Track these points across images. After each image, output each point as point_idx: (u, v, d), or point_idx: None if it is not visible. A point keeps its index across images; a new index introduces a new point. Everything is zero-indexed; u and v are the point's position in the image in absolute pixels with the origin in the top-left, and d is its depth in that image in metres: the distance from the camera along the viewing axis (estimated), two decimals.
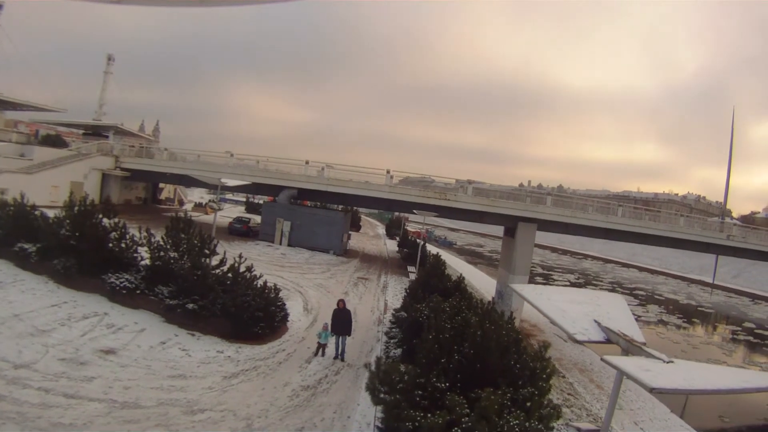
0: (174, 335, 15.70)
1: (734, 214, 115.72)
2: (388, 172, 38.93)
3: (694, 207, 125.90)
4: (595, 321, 8.01)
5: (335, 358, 15.92)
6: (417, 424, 8.18)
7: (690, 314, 50.21)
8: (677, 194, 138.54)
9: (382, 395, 9.47)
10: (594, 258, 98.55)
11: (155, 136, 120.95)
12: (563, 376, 23.71)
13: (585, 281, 65.88)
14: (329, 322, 16.34)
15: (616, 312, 8.67)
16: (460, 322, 10.36)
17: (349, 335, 16.43)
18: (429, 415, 8.18)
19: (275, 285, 18.26)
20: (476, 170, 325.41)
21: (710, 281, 71.72)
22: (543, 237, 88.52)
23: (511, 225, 37.63)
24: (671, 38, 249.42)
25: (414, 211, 35.30)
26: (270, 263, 30.80)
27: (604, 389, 23.82)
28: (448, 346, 9.95)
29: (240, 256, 17.75)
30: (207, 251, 17.37)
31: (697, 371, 6.59)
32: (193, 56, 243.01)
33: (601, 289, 58.32)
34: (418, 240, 41.41)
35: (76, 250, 17.92)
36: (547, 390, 9.59)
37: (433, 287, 17.54)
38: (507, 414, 8.08)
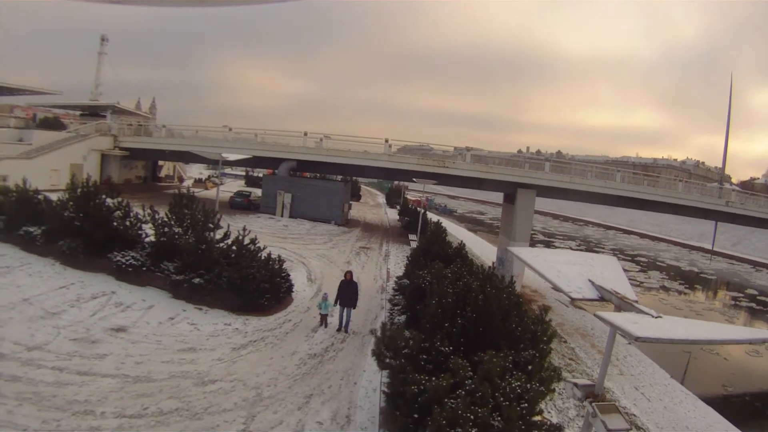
0: (182, 310, 15.97)
1: (733, 180, 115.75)
2: (386, 141, 38.98)
3: (693, 172, 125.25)
4: (590, 280, 8.12)
5: (338, 330, 16.08)
6: (422, 387, 8.44)
7: (692, 281, 50.55)
8: (676, 159, 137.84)
9: (387, 360, 9.73)
10: (595, 225, 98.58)
11: (152, 113, 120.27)
12: (565, 341, 23.94)
13: (586, 248, 66.04)
14: (332, 293, 16.45)
15: (609, 272, 8.83)
16: (462, 287, 10.54)
17: (354, 308, 16.51)
18: (434, 378, 8.42)
19: (279, 256, 18.46)
20: (475, 137, 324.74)
21: (710, 248, 71.85)
22: (542, 204, 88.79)
23: (510, 191, 37.70)
24: (670, 2, 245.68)
25: (413, 179, 35.33)
26: (272, 235, 31.02)
27: (604, 354, 24.21)
28: (450, 311, 10.16)
29: (244, 229, 17.94)
30: (211, 225, 17.52)
31: (683, 325, 7.08)
32: (187, 30, 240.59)
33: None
34: (418, 208, 41.60)
35: (80, 230, 18.08)
36: (547, 353, 9.93)
37: (435, 254, 17.68)
38: (509, 376, 8.36)
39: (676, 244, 79.45)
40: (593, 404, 6.59)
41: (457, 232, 59.05)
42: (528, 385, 8.31)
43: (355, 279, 21.56)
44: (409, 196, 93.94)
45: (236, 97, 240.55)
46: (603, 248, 66.88)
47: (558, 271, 8.22)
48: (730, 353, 26.79)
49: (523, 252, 10.05)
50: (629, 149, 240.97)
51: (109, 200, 19.12)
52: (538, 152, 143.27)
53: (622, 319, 6.21)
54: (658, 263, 58.46)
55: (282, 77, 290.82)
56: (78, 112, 54.73)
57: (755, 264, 66.01)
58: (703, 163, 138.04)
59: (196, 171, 78.84)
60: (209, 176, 70.62)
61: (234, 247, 17.35)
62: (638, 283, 43.09)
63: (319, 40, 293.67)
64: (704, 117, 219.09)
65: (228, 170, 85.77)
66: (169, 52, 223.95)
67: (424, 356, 9.40)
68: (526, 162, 43.21)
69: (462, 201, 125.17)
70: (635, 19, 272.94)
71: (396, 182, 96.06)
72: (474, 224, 79.20)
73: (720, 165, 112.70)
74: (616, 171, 41.94)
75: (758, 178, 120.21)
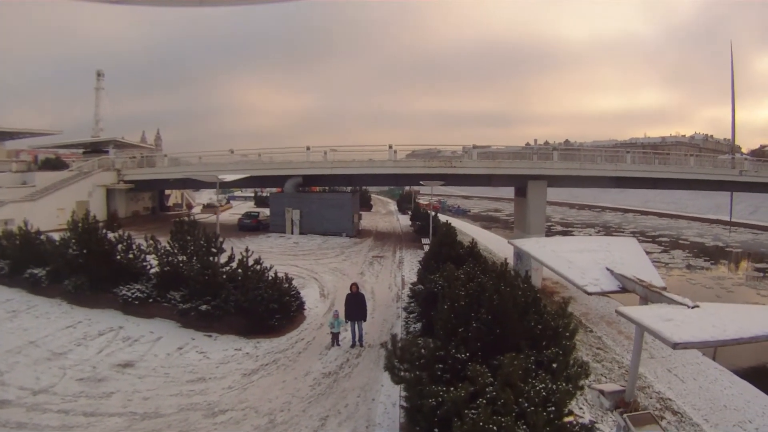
0: (191, 339, 15.53)
1: (744, 150, 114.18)
2: (390, 147, 38.48)
3: (703, 147, 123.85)
4: (608, 269, 7.46)
5: (352, 346, 15.40)
6: (440, 399, 7.85)
7: (718, 256, 49.53)
8: (684, 136, 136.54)
9: (402, 373, 9.17)
10: (612, 209, 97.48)
11: (157, 144, 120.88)
12: (591, 331, 23.43)
13: (606, 233, 65.05)
14: (341, 307, 15.81)
15: (630, 257, 7.92)
16: (475, 287, 9.95)
17: (365, 320, 15.86)
18: (452, 388, 7.79)
19: (286, 274, 18.04)
20: (483, 135, 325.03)
21: (728, 220, 70.79)
22: (556, 194, 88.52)
23: (520, 185, 37.30)
24: None
25: (420, 182, 34.87)
26: (283, 253, 30.60)
27: (632, 340, 23.53)
28: (464, 314, 9.59)
29: (246, 250, 17.40)
30: (214, 249, 17.07)
31: (728, 315, 5.51)
32: (185, 57, 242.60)
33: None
34: (429, 211, 41.15)
35: (85, 267, 17.87)
36: (572, 348, 9.18)
37: (446, 256, 17.09)
38: (532, 378, 7.69)
39: (695, 219, 78.17)
40: (625, 416, 5.88)
41: (471, 231, 58.53)
42: (554, 386, 7.57)
43: (369, 289, 21.07)
44: (420, 201, 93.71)
45: (241, 119, 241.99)
46: (623, 232, 65.91)
47: (569, 262, 7.43)
48: None
49: (528, 243, 9.27)
50: (638, 130, 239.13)
51: (110, 234, 18.91)
52: (546, 143, 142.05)
53: (651, 315, 5.28)
54: (681, 242, 57.46)
55: (285, 95, 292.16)
56: (81, 150, 54.92)
57: None
58: (711, 136, 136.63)
59: (206, 197, 78.82)
60: (212, 200, 70.59)
61: (239, 270, 16.83)
62: (663, 264, 42.34)
63: (320, 53, 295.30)
64: (709, 90, 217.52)
65: (238, 192, 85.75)
66: (170, 82, 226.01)
67: (440, 365, 8.79)
68: (534, 153, 42.72)
69: (476, 200, 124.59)
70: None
71: (407, 188, 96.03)
72: (489, 222, 78.66)
73: (729, 136, 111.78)
74: (626, 152, 41.46)
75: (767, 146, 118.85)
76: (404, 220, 55.45)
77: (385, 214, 70.28)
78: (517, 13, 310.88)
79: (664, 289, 6.58)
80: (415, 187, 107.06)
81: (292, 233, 37.89)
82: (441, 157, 49.16)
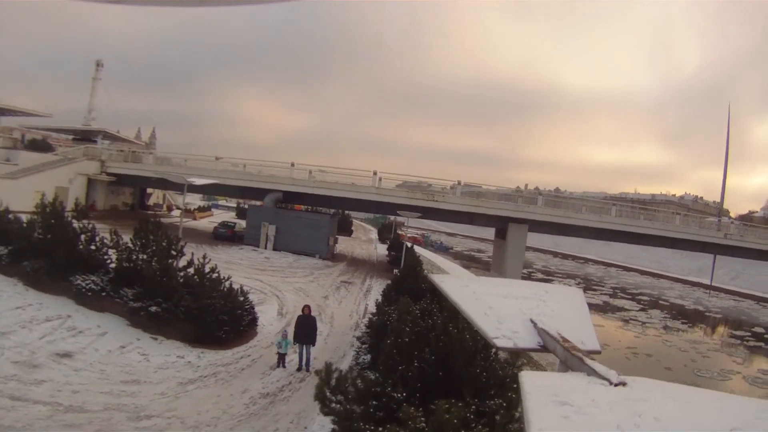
0: (136, 339, 15.21)
1: (732, 214, 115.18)
2: (375, 173, 38.74)
3: (692, 207, 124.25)
4: (532, 321, 6.89)
5: (298, 369, 15.00)
6: None
7: (696, 319, 49.38)
8: (674, 195, 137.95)
9: (334, 405, 8.94)
10: (595, 262, 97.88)
11: (151, 142, 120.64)
12: None
13: (586, 286, 64.87)
14: (291, 330, 15.53)
15: (567, 310, 7.23)
16: (424, 326, 9.82)
17: (314, 344, 15.54)
18: (380, 429, 7.59)
19: (241, 287, 17.83)
20: (476, 174, 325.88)
21: (703, 283, 71.05)
22: (540, 240, 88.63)
23: (502, 226, 37.49)
24: (672, 37, 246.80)
25: (398, 212, 34.84)
26: (251, 267, 30.36)
27: None
28: (408, 352, 9.41)
29: (204, 257, 17.19)
30: (174, 252, 16.88)
31: (662, 405, 3.72)
32: (189, 63, 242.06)
33: (601, 294, 57.89)
34: (408, 243, 40.99)
35: (46, 252, 17.59)
36: (518, 401, 8.71)
37: (407, 289, 16.95)
38: (468, 429, 7.36)
39: (677, 280, 78.33)
40: None
41: (449, 268, 58.39)
42: None
43: (329, 313, 20.89)
44: (403, 232, 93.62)
45: (238, 130, 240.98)
46: (603, 286, 65.98)
47: (489, 308, 6.92)
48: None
49: (448, 282, 8.80)
50: (629, 185, 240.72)
51: (75, 223, 18.69)
52: (536, 189, 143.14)
53: (551, 390, 3.79)
54: (661, 302, 57.23)
55: (283, 111, 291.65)
56: (71, 137, 54.69)
57: (759, 300, 64.83)
58: (701, 198, 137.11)
59: (191, 201, 78.47)
60: (199, 207, 70.13)
61: (196, 277, 16.62)
62: (640, 323, 42.13)
63: (320, 75, 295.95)
64: (705, 151, 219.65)
65: (222, 201, 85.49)
66: (173, 84, 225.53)
67: (375, 402, 8.56)
68: (519, 196, 42.92)
69: (460, 238, 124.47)
70: (638, 54, 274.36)
71: (393, 217, 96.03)
72: (470, 261, 78.44)
73: (719, 199, 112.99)
74: (612, 205, 41.77)
75: (757, 211, 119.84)
76: (382, 249, 55.34)
77: (365, 241, 70.10)
78: (521, 57, 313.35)
79: (598, 353, 6.00)
80: (400, 218, 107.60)
81: (265, 248, 37.58)
82: (424, 189, 49.35)
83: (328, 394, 8.97)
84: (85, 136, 51.98)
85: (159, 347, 15.09)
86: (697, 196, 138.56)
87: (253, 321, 17.83)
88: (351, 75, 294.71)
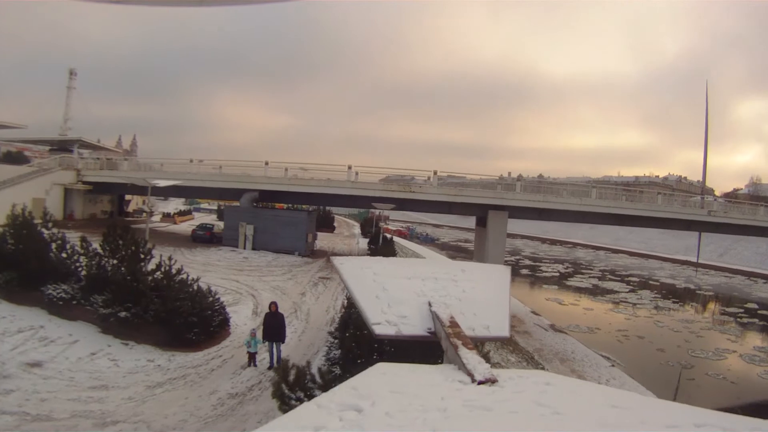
0: (107, 345, 15.28)
1: (717, 193, 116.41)
2: (350, 167, 38.68)
3: (676, 188, 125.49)
4: (430, 304, 6.04)
5: (269, 368, 14.94)
6: None
7: (688, 298, 49.43)
8: (658, 176, 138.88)
9: (293, 402, 8.84)
10: (584, 246, 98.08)
11: (132, 149, 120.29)
12: (543, 368, 23.36)
13: (574, 270, 65.08)
14: (260, 328, 15.59)
15: (483, 290, 6.68)
16: None
17: (283, 341, 15.55)
18: None
19: (208, 288, 17.96)
20: (461, 165, 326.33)
21: (702, 262, 71.40)
22: (526, 227, 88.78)
23: (481, 214, 37.41)
24: (652, 22, 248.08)
25: (372, 204, 34.82)
26: (229, 267, 30.39)
27: (586, 380, 23.23)
28: (368, 344, 9.50)
29: (170, 258, 17.20)
30: (142, 255, 16.93)
31: (528, 410, 3.25)
32: (170, 69, 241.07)
33: (590, 277, 58.04)
34: (393, 237, 40.87)
35: (18, 263, 17.64)
36: None
37: None
38: None
39: (666, 260, 78.68)
40: None
41: (434, 258, 58.48)
42: None
43: (306, 310, 21.01)
44: (389, 226, 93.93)
45: (222, 134, 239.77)
46: (592, 269, 66.02)
47: (383, 290, 6.38)
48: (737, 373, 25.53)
49: (348, 263, 8.10)
50: (613, 170, 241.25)
51: (45, 231, 18.70)
52: (520, 176, 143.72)
53: (345, 394, 3.56)
54: (651, 282, 57.18)
55: (265, 112, 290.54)
56: (48, 148, 54.39)
57: (749, 275, 65.15)
58: (685, 178, 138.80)
59: (173, 206, 78.14)
60: (180, 211, 69.94)
61: (164, 279, 16.68)
62: (631, 304, 42.28)
63: (301, 74, 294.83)
64: (687, 133, 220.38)
65: (204, 204, 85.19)
66: (153, 89, 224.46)
67: None
68: (499, 184, 42.83)
69: (447, 230, 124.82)
70: (618, 39, 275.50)
71: (378, 211, 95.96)
72: (456, 251, 78.66)
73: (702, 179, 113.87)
74: (591, 187, 41.70)
75: (741, 189, 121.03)
76: (363, 243, 55.41)
77: (347, 236, 70.11)
78: (501, 48, 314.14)
79: (506, 338, 5.66)
80: (385, 212, 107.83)
81: (244, 248, 37.66)
82: (400, 181, 49.39)
83: (286, 391, 9.02)
84: (61, 146, 51.55)
85: (130, 352, 15.17)
86: (680, 176, 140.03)
87: (225, 321, 17.91)
88: (332, 74, 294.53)
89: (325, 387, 8.65)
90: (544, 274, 60.75)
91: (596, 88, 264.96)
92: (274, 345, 15.27)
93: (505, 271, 7.46)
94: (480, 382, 3.86)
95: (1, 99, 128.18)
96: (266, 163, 39.93)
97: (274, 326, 15.20)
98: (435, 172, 39.53)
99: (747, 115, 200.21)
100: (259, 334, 15.43)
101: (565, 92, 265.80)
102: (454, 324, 5.44)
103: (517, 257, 75.33)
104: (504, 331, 6.03)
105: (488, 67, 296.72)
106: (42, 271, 17.49)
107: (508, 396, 3.60)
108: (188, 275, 17.22)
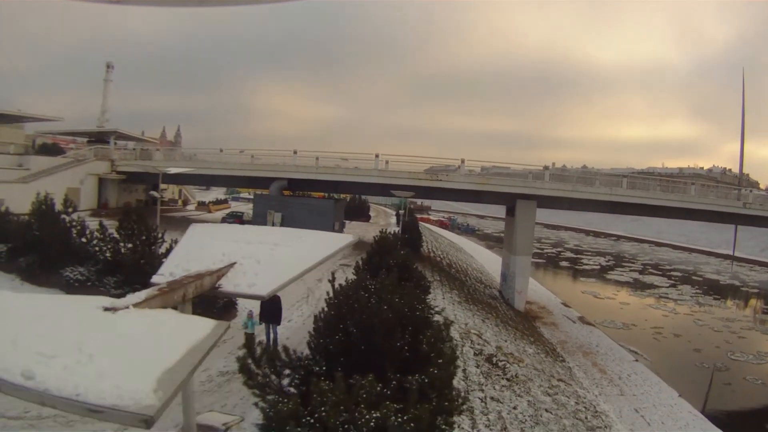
0: None
1: (762, 185, 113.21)
2: (377, 156, 38.71)
3: (720, 180, 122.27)
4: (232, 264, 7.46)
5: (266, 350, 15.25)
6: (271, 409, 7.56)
7: (732, 295, 48.48)
8: (702, 168, 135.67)
9: (260, 378, 8.54)
10: (627, 239, 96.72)
11: (177, 140, 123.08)
12: (563, 360, 23.33)
13: (615, 263, 64.40)
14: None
15: (294, 257, 8.47)
16: (353, 297, 9.85)
17: (279, 324, 15.81)
18: (283, 401, 7.39)
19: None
20: (506, 156, 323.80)
21: (744, 257, 69.57)
22: (570, 218, 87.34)
23: (510, 203, 37.12)
24: (700, 9, 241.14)
25: (391, 192, 34.81)
26: None
27: (606, 373, 23.24)
28: (333, 325, 9.49)
29: (175, 242, 17.67)
30: (153, 239, 17.64)
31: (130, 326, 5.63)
32: (214, 59, 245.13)
33: (631, 271, 57.32)
34: (428, 226, 40.74)
35: (41, 248, 18.65)
36: (438, 378, 8.01)
37: (376, 265, 16.89)
38: (373, 406, 6.84)
39: (709, 254, 77.15)
40: None
41: (471, 249, 58.42)
42: (394, 418, 6.69)
43: (318, 295, 21.21)
44: (431, 217, 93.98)
45: (265, 123, 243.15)
46: (635, 263, 65.06)
47: (200, 248, 7.43)
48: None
49: (199, 228, 9.19)
50: (659, 161, 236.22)
51: (66, 218, 19.54)
52: (564, 167, 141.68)
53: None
54: (695, 277, 56.13)
55: (312, 103, 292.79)
56: (86, 139, 56.04)
57: None
58: (730, 170, 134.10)
59: (213, 195, 79.60)
60: (216, 200, 71.22)
61: None
62: (673, 300, 41.82)
63: (347, 66, 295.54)
64: (735, 123, 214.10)
65: (245, 194, 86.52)
66: (196, 81, 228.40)
67: (297, 376, 8.61)
68: (530, 173, 42.38)
69: (490, 221, 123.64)
70: (664, 28, 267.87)
71: (419, 201, 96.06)
72: (497, 242, 78.36)
73: (749, 171, 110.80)
74: (622, 177, 41.15)
75: None
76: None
77: (383, 225, 70.25)
78: (547, 37, 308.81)
79: (262, 297, 7.69)
80: (426, 202, 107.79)
81: None
82: (444, 171, 49.25)
83: (253, 367, 9.08)
84: (99, 138, 53.06)
85: None
86: (725, 168, 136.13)
87: (231, 304, 18.41)
88: (378, 66, 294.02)
89: (290, 365, 8.72)
90: (585, 266, 60.30)
91: (644, 78, 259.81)
92: (271, 327, 15.58)
93: (344, 239, 9.12)
94: (106, 308, 5.47)
95: (42, 93, 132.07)
96: (295, 152, 40.45)
97: (270, 309, 15.38)
98: (463, 161, 39.23)
99: None
100: (256, 316, 15.73)
101: (612, 82, 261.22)
102: (198, 276, 7.30)
103: (560, 249, 74.57)
104: (263, 291, 7.52)
105: (536, 56, 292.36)
106: (63, 255, 18.47)
107: (117, 319, 5.30)
108: None
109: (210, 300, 16.89)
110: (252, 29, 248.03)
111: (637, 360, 26.07)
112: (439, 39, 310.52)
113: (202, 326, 6.02)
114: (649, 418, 18.47)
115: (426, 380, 7.76)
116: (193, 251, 7.34)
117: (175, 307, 7.37)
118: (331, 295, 10.04)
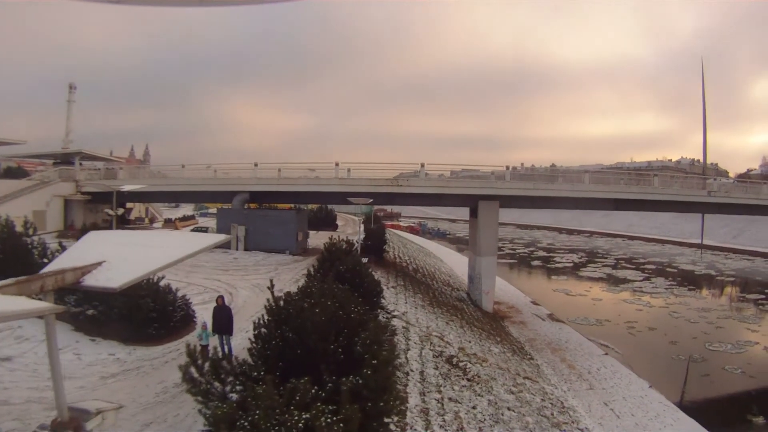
0: (75, 342, 16.42)
1: (731, 174, 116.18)
2: (337, 164, 39.13)
3: (689, 171, 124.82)
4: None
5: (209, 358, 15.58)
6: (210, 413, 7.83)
7: (706, 285, 48.92)
8: (671, 160, 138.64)
9: (203, 386, 8.91)
10: (602, 234, 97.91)
11: (145, 158, 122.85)
12: (531, 358, 23.68)
13: (588, 259, 65.37)
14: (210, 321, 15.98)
15: (161, 255, 8.84)
16: (291, 303, 9.98)
17: (231, 334, 15.97)
18: (217, 404, 7.91)
19: (168, 285, 18.93)
20: (474, 158, 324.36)
21: (712, 244, 71.51)
22: (539, 217, 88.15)
23: (472, 205, 37.55)
24: (663, 1, 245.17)
25: (348, 199, 35.34)
26: (215, 268, 31.11)
27: (575, 368, 23.68)
28: (271, 331, 9.93)
29: None
30: None
31: None
32: (178, 74, 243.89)
33: (604, 267, 58.32)
34: (397, 232, 41.24)
35: (2, 269, 18.99)
36: (372, 378, 8.17)
37: (325, 272, 17.31)
38: (305, 409, 7.04)
39: (681, 244, 78.37)
40: None
41: (441, 253, 58.98)
42: (324, 418, 6.85)
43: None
44: (401, 223, 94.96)
45: (233, 137, 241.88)
46: (608, 258, 66.14)
47: (86, 251, 8.33)
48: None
49: (97, 234, 10.08)
50: (629, 155, 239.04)
51: (26, 239, 20.08)
52: (533, 167, 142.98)
53: None
54: (669, 269, 56.73)
55: (276, 113, 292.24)
56: (51, 161, 55.88)
57: (766, 255, 64.47)
58: (698, 161, 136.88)
59: (182, 212, 79.70)
60: (183, 216, 71.37)
61: None
62: (647, 293, 42.38)
63: (311, 73, 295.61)
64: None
65: (212, 210, 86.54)
66: (164, 98, 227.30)
67: (238, 382, 8.93)
68: (492, 173, 42.95)
69: (462, 224, 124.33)
70: (632, 22, 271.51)
71: (388, 208, 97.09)
72: (467, 245, 79.00)
73: (718, 161, 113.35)
74: (584, 173, 41.69)
75: (755, 169, 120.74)
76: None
77: (351, 233, 70.80)
78: (516, 36, 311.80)
79: (114, 290, 8.20)
80: (396, 209, 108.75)
81: (236, 249, 38.29)
82: (413, 176, 49.91)
83: (195, 374, 9.58)
84: (64, 159, 52.88)
85: (95, 347, 16.32)
86: (693, 159, 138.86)
87: (189, 317, 19.10)
88: (342, 72, 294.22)
89: (235, 373, 9.05)
90: (557, 264, 61.05)
91: (611, 73, 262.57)
92: (224, 337, 15.89)
93: (213, 238, 9.09)
94: None
95: (12, 116, 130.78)
96: (255, 165, 40.68)
97: (221, 320, 15.72)
98: (422, 165, 39.77)
99: (764, 94, 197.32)
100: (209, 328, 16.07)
101: (579, 78, 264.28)
102: (60, 271, 8.07)
103: (532, 248, 75.28)
104: (115, 284, 8.03)
105: (502, 56, 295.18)
106: (23, 275, 18.79)
107: None
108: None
109: (167, 314, 17.66)
110: (214, 41, 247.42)
111: (606, 354, 26.66)
112: (402, 44, 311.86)
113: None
114: (619, 411, 18.85)
115: (360, 381, 8.02)
116: (76, 253, 8.36)
117: (32, 297, 8.37)
118: (271, 301, 10.31)
